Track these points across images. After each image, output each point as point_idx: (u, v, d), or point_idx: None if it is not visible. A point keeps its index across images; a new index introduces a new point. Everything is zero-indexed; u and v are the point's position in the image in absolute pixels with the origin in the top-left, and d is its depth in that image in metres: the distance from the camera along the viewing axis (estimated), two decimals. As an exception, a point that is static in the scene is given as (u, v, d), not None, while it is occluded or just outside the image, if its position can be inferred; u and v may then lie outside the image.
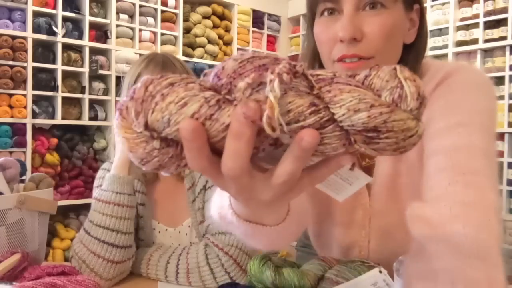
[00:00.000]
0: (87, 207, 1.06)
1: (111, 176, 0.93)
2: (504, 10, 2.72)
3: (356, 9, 0.64)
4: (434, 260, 0.48)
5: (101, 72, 2.75)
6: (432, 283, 0.48)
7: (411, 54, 0.71)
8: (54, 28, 2.63)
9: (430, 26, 2.99)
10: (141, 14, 2.98)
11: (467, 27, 2.91)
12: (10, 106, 2.50)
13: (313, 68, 0.75)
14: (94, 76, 2.75)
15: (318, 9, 0.68)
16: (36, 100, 2.61)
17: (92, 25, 2.80)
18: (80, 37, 2.76)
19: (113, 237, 0.87)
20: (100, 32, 2.85)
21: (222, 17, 3.46)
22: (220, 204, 0.52)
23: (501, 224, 0.52)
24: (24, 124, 2.53)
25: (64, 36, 2.67)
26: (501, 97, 2.74)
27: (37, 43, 2.60)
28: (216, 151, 0.33)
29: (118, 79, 2.79)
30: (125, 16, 2.92)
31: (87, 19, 2.74)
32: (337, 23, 0.65)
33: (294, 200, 0.45)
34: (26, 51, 2.53)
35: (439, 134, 0.60)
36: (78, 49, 2.77)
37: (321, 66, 0.72)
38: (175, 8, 3.16)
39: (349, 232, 0.81)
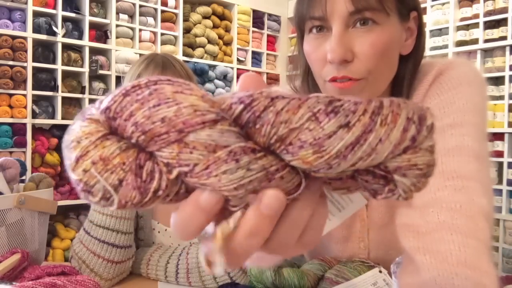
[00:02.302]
0: (87, 207, 1.06)
1: None
2: (504, 10, 2.71)
3: (346, 27, 0.60)
4: (422, 272, 0.47)
5: (101, 72, 2.74)
6: None
7: (409, 66, 0.67)
8: (54, 28, 2.63)
9: (430, 26, 2.98)
10: (141, 14, 2.98)
11: (467, 27, 2.90)
12: (10, 106, 2.50)
13: (307, 84, 0.73)
14: (94, 76, 2.75)
15: (306, 26, 0.65)
16: (36, 100, 2.61)
17: (92, 25, 2.79)
18: (80, 37, 2.75)
19: (113, 237, 0.87)
20: (100, 32, 2.84)
21: (222, 17, 3.46)
22: None
23: (491, 229, 0.51)
24: (24, 124, 2.53)
25: (64, 36, 2.67)
26: (501, 97, 2.73)
27: (37, 43, 2.60)
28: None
29: (118, 79, 2.79)
30: (125, 16, 2.92)
31: (87, 19, 2.74)
32: (326, 42, 0.61)
33: None
34: (26, 51, 2.53)
35: None
36: (78, 49, 2.76)
37: (314, 82, 0.70)
38: (175, 8, 3.16)
39: (348, 246, 0.80)
